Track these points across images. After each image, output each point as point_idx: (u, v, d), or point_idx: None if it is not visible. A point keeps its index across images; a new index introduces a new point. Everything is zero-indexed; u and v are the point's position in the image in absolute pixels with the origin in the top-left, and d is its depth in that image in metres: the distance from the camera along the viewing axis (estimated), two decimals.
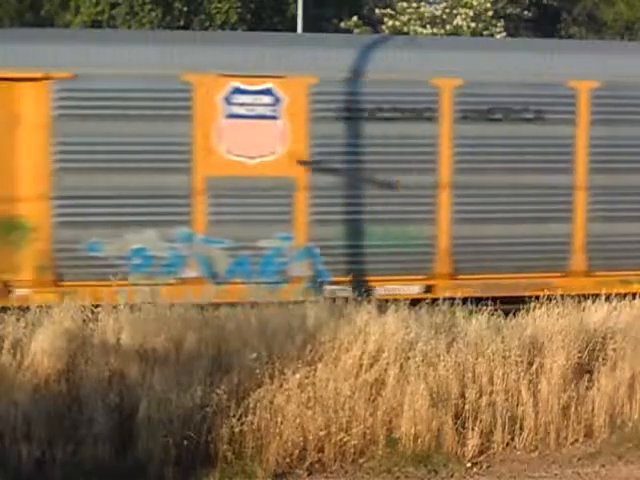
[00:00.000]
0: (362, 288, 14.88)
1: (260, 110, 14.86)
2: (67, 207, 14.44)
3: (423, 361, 11.90)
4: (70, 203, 14.43)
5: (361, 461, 11.26)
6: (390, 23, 33.53)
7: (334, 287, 14.97)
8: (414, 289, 15.28)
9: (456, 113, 15.46)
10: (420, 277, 15.41)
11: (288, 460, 10.95)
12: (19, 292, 14.27)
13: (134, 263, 14.60)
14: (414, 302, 13.77)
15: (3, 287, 14.28)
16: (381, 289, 15.13)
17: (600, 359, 12.65)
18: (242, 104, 14.80)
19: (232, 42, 15.59)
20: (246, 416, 10.97)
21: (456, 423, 11.51)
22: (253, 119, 14.86)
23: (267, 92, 14.83)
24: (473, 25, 33.08)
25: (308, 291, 14.75)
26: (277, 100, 14.86)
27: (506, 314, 13.71)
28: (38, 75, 14.27)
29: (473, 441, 11.43)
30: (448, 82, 15.37)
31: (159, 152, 14.67)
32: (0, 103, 14.22)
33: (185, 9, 32.07)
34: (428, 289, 15.35)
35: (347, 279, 15.06)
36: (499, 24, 33.67)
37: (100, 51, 14.69)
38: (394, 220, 15.27)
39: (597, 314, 13.71)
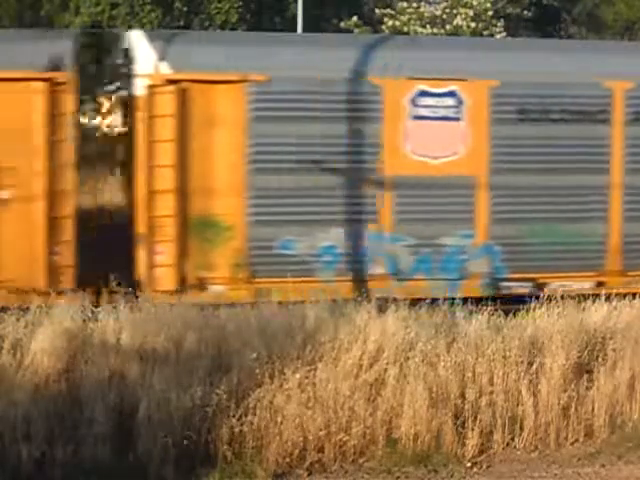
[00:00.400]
0: (537, 284, 15.57)
1: (444, 112, 15.48)
2: (261, 206, 14.87)
3: (423, 361, 11.90)
4: (264, 202, 14.88)
5: (361, 461, 11.26)
6: (390, 23, 33.53)
7: (511, 283, 15.59)
8: (586, 285, 15.82)
9: (627, 115, 15.96)
10: (592, 273, 15.99)
11: (288, 460, 10.95)
12: (214, 289, 14.67)
13: (324, 260, 15.01)
14: (414, 302, 13.80)
15: (199, 284, 14.61)
16: (555, 285, 15.60)
17: (600, 359, 12.66)
18: (427, 106, 15.40)
19: (418, 46, 16.43)
20: (246, 416, 10.96)
21: (456, 423, 11.51)
22: (437, 120, 15.45)
23: (451, 95, 15.45)
24: (473, 25, 33.07)
25: (486, 287, 15.39)
26: (460, 102, 15.47)
27: (506, 314, 13.73)
28: (235, 77, 14.64)
29: (473, 441, 11.43)
30: (620, 84, 15.86)
31: (347, 152, 15.15)
32: (199, 104, 14.63)
33: (185, 9, 32.08)
34: (599, 285, 15.80)
35: (523, 275, 15.63)
36: (499, 24, 33.67)
37: (295, 54, 15.16)
38: (568, 219, 15.87)
39: (597, 314, 13.72)
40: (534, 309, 13.64)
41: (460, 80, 15.40)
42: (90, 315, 12.76)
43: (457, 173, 15.46)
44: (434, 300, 14.08)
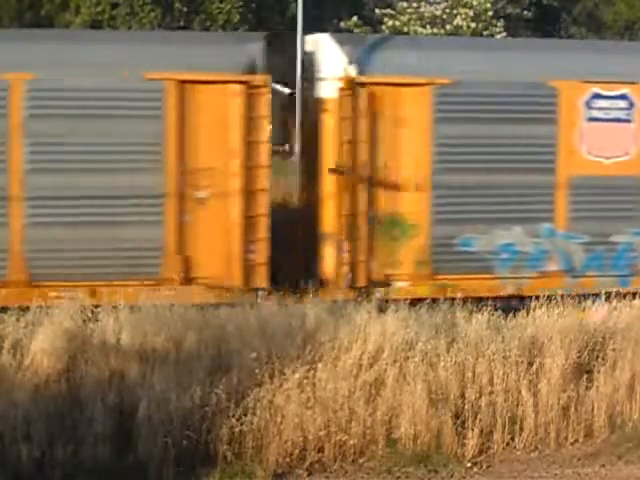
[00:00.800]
0: None
1: (616, 114, 15.96)
2: (444, 205, 15.23)
3: (423, 361, 11.90)
4: (447, 201, 15.26)
5: (361, 461, 11.26)
6: (390, 23, 33.59)
7: None
8: None
9: None
10: None
11: (288, 460, 10.95)
12: (398, 285, 15.04)
13: (502, 258, 15.43)
14: (413, 302, 13.82)
15: (384, 280, 14.96)
16: None
17: (600, 359, 12.66)
18: (600, 108, 15.85)
19: (591, 50, 16.84)
20: (246, 416, 10.96)
21: (456, 423, 11.51)
22: (609, 122, 15.90)
23: (623, 97, 15.95)
24: (473, 25, 33.13)
25: None
26: (631, 105, 15.97)
27: (506, 314, 13.73)
28: (422, 81, 15.07)
29: (473, 441, 11.43)
30: None
31: (526, 153, 15.50)
32: (386, 106, 14.98)
33: (185, 9, 32.13)
34: None
35: None
36: (499, 24, 33.74)
37: (477, 58, 15.52)
38: None
39: (597, 314, 13.72)
40: (534, 309, 13.65)
41: (632, 83, 15.86)
42: (90, 315, 12.77)
43: (628, 173, 15.93)
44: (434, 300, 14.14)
